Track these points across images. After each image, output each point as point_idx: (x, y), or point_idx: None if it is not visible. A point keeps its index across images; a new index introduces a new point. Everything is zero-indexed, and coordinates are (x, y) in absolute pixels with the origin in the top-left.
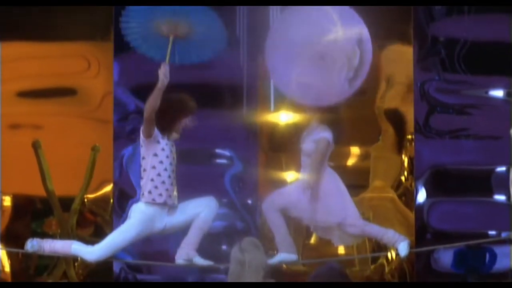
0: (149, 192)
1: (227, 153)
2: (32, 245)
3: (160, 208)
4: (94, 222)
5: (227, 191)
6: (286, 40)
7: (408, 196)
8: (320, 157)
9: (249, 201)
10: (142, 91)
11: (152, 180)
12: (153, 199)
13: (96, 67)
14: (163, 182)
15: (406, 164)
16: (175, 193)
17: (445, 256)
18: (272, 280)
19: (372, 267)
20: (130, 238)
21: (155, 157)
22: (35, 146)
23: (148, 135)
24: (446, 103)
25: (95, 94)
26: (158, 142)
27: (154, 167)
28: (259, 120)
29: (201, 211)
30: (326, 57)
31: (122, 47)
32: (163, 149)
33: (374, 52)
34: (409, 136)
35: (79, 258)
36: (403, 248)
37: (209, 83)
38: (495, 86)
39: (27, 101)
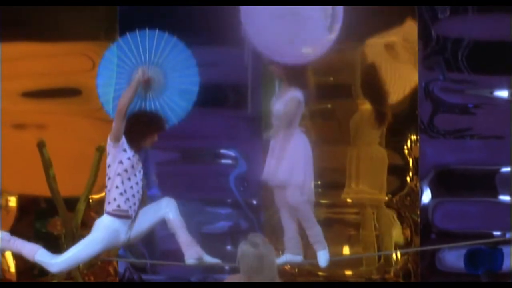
0: (114, 199)
1: (231, 153)
2: (1, 237)
3: (124, 221)
4: None
5: (232, 191)
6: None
7: (413, 196)
8: (289, 116)
9: (254, 201)
10: None
11: (117, 187)
12: (118, 205)
13: None
14: (125, 191)
15: (410, 164)
16: (136, 205)
17: (449, 256)
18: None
19: (376, 266)
20: (94, 252)
21: (121, 164)
22: (40, 145)
23: (116, 138)
24: (450, 103)
25: None
26: (125, 150)
27: (119, 174)
28: (263, 120)
29: (163, 213)
30: (299, 11)
31: None
32: (129, 159)
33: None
34: (414, 137)
35: None
36: (323, 257)
37: (213, 82)
38: (500, 86)
39: (32, 101)
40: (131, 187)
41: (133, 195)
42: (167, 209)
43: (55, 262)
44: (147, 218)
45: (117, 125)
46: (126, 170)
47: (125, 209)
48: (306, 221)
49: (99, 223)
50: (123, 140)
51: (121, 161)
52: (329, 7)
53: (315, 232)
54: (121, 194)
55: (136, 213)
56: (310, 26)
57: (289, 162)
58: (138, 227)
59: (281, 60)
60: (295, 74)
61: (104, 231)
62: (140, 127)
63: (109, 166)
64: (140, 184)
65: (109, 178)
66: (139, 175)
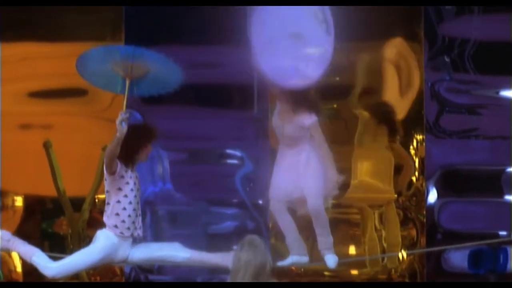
0: (115, 226)
1: (237, 153)
2: (1, 236)
3: (126, 238)
4: None
5: (238, 191)
6: (266, 22)
7: (418, 196)
8: (322, 137)
9: (260, 201)
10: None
11: (117, 214)
12: (121, 233)
13: None
14: (129, 216)
15: (416, 164)
16: (138, 223)
17: (455, 256)
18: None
19: (381, 266)
20: (92, 262)
21: (120, 191)
22: (46, 146)
23: (111, 173)
24: (456, 103)
25: (106, 94)
26: (122, 176)
27: (119, 202)
28: (269, 120)
29: (168, 254)
30: (300, 31)
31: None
32: (127, 183)
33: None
34: (420, 137)
35: None
36: (331, 259)
37: (219, 83)
38: (506, 87)
39: (38, 101)
40: (134, 210)
41: (136, 215)
42: (178, 253)
43: (51, 266)
44: (149, 251)
45: (108, 167)
46: (126, 196)
47: (127, 235)
48: (322, 228)
49: (101, 234)
50: (119, 168)
51: (119, 188)
52: (319, 12)
53: (327, 240)
54: (123, 221)
55: (140, 232)
56: (311, 42)
57: (316, 172)
58: (138, 253)
59: (287, 84)
60: (302, 98)
61: (103, 242)
62: (131, 144)
63: (107, 191)
64: (139, 201)
65: (107, 203)
66: (138, 194)
